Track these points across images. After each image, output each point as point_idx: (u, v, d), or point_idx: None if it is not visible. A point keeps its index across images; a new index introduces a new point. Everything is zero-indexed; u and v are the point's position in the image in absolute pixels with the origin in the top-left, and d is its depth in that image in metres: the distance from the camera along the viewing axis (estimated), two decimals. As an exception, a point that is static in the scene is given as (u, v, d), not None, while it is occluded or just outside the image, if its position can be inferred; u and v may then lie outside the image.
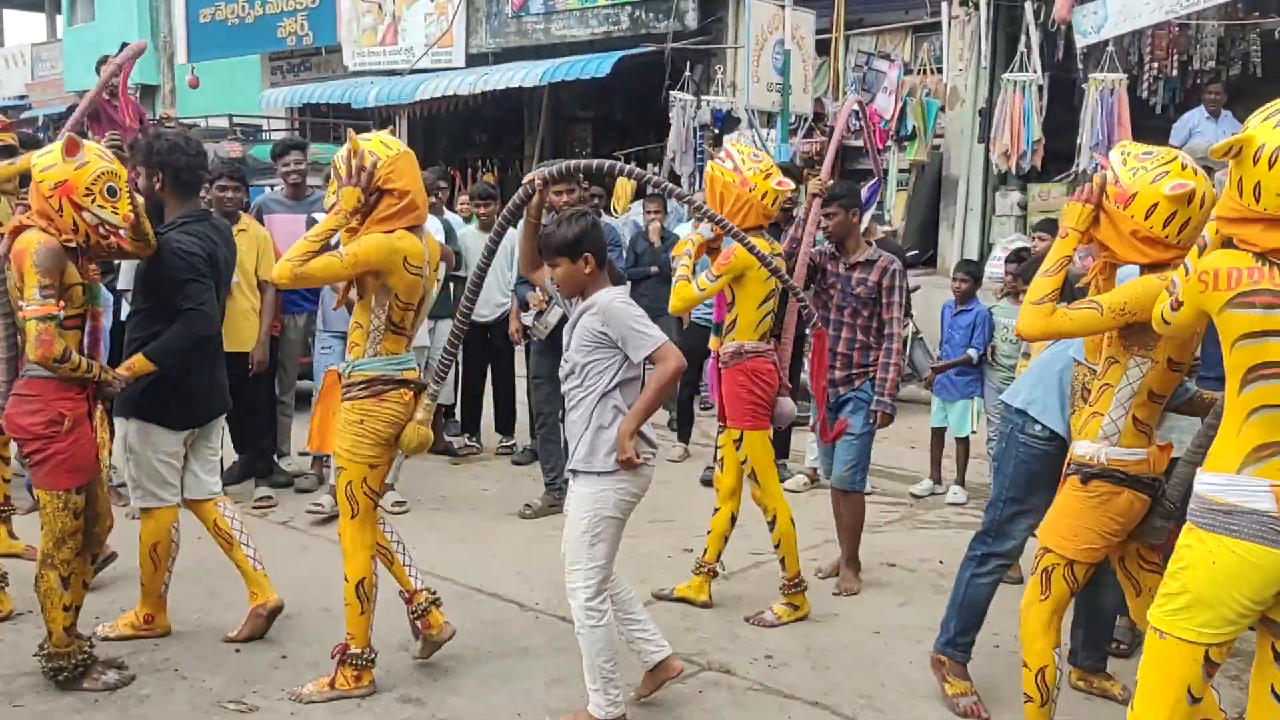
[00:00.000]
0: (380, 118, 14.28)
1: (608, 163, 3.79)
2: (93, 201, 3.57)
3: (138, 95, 8.32)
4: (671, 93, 11.20)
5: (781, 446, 6.38)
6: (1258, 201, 2.41)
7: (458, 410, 7.53)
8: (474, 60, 13.80)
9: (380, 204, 3.66)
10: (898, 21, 10.74)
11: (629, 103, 13.61)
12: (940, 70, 10.25)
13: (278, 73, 17.16)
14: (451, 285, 6.84)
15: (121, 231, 3.66)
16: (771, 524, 4.54)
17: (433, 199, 6.89)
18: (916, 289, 7.36)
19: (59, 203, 3.53)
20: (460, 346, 3.91)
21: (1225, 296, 2.47)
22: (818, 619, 4.61)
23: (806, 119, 10.54)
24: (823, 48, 10.67)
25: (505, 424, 7.35)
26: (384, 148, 3.69)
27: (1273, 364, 2.44)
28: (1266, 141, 2.39)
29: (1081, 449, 3.15)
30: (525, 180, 3.68)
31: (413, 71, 14.08)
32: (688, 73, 11.39)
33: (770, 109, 10.29)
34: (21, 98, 24.83)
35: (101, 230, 3.61)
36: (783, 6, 9.86)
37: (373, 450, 3.71)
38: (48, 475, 3.64)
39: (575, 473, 3.50)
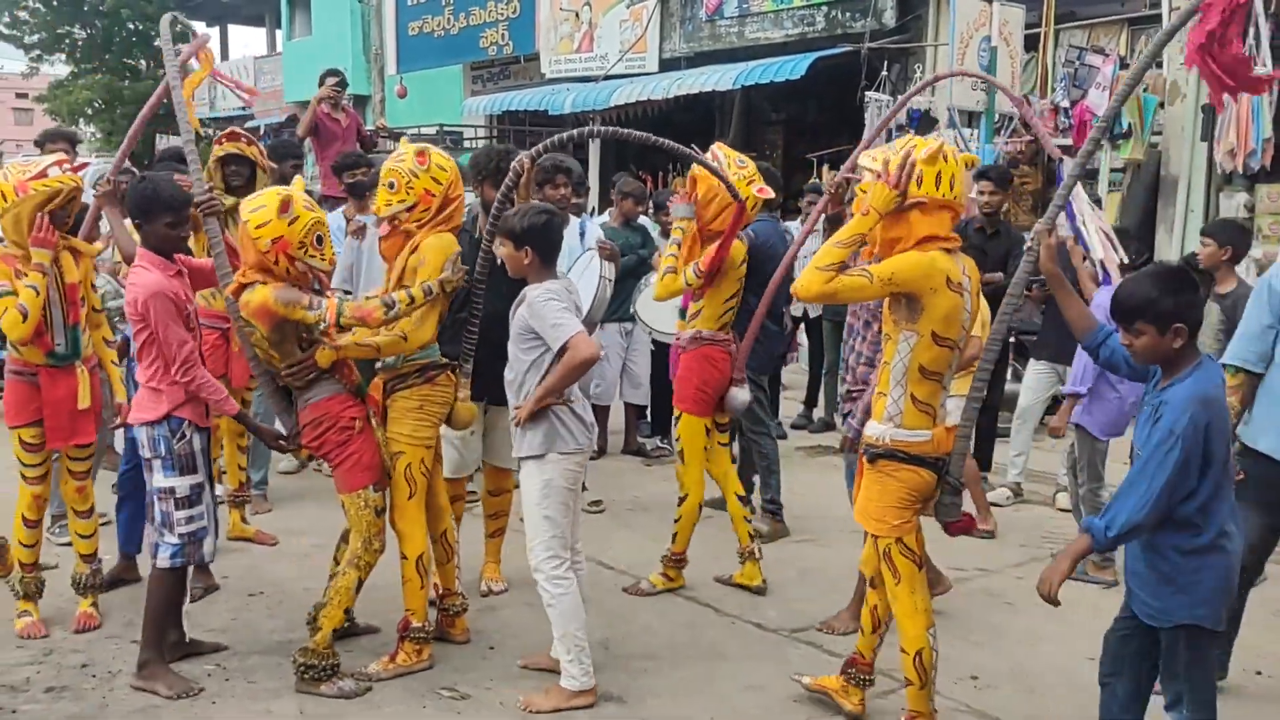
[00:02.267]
0: (575, 123, 14.62)
1: (598, 129, 3.98)
2: (305, 253, 3.80)
3: (351, 105, 8.78)
4: (867, 93, 10.98)
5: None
6: None
7: (649, 412, 7.62)
8: (667, 65, 13.93)
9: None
10: (1113, 14, 10.19)
11: (822, 104, 13.44)
12: (1159, 64, 9.66)
13: (478, 81, 17.79)
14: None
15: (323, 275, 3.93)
16: (680, 500, 4.86)
17: (628, 204, 7.02)
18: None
19: (275, 257, 3.75)
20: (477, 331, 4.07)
21: None
22: (1025, 640, 4.43)
23: (1012, 118, 10.13)
24: (1031, 43, 10.24)
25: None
26: None
27: None
28: None
29: (870, 430, 3.37)
30: (514, 161, 3.98)
31: (607, 77, 14.34)
32: (885, 72, 11.14)
33: (974, 108, 9.95)
34: (243, 108, 26.66)
35: (310, 276, 3.86)
36: (990, 2, 9.52)
37: (430, 432, 4.02)
38: (347, 477, 3.87)
39: (523, 459, 3.75)
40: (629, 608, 4.71)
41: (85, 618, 4.35)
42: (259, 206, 3.76)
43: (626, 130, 4.14)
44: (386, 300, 3.76)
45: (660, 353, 7.25)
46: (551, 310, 3.62)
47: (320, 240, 3.84)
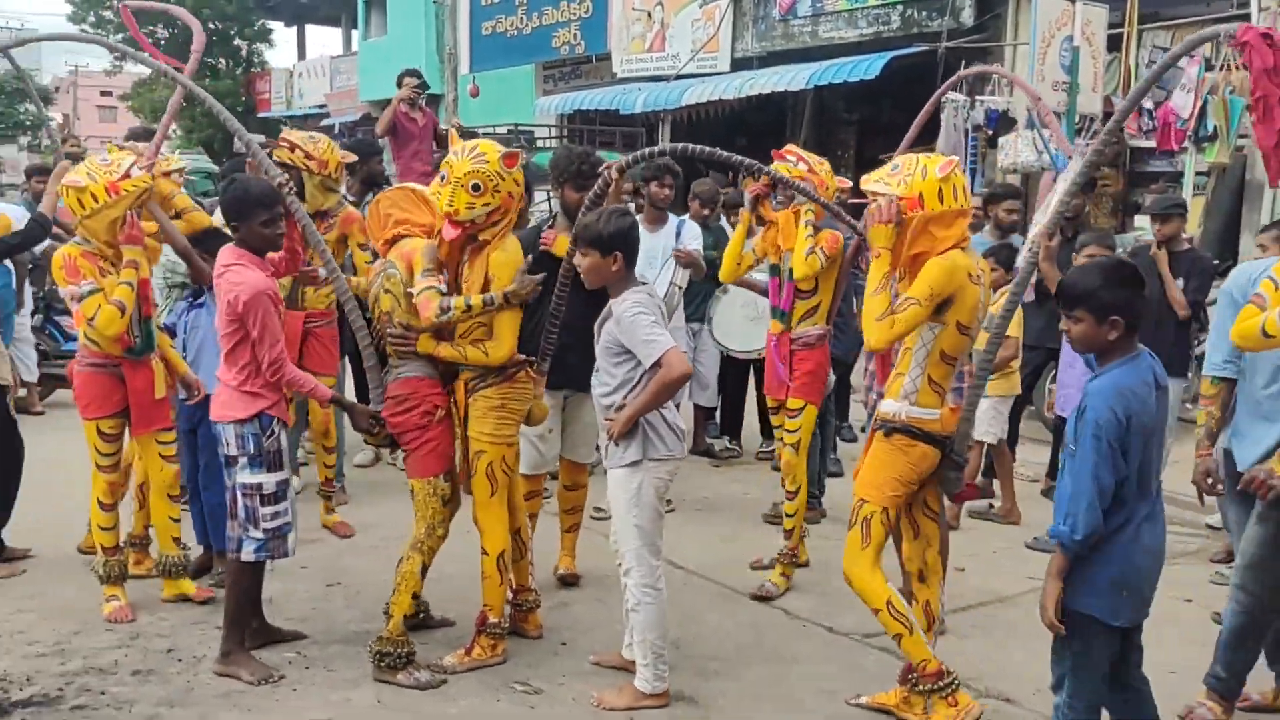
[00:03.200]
0: (645, 123, 14.64)
1: (692, 147, 4.06)
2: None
3: (424, 101, 8.88)
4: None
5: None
6: None
7: (718, 413, 7.60)
8: (739, 64, 13.89)
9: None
10: (1198, 15, 9.94)
11: (896, 104, 13.25)
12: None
13: (550, 80, 17.92)
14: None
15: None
16: (791, 495, 4.86)
17: (706, 210, 7.01)
18: (1213, 302, 6.82)
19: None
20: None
21: None
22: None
23: (1094, 119, 9.94)
24: (1114, 43, 10.02)
25: (767, 428, 7.35)
26: None
27: None
28: None
29: (885, 407, 3.60)
30: (602, 168, 4.07)
31: (679, 77, 14.34)
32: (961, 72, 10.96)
33: (1055, 109, 9.76)
34: (320, 106, 27.16)
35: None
36: (1073, 1, 9.34)
37: (511, 430, 4.06)
38: (421, 462, 3.94)
39: (609, 469, 3.75)
40: (699, 608, 4.71)
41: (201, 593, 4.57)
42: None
43: (698, 146, 4.14)
44: (443, 304, 3.76)
45: (732, 357, 7.24)
46: (642, 325, 3.57)
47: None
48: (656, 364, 3.54)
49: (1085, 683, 3.00)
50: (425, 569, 3.97)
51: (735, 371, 7.36)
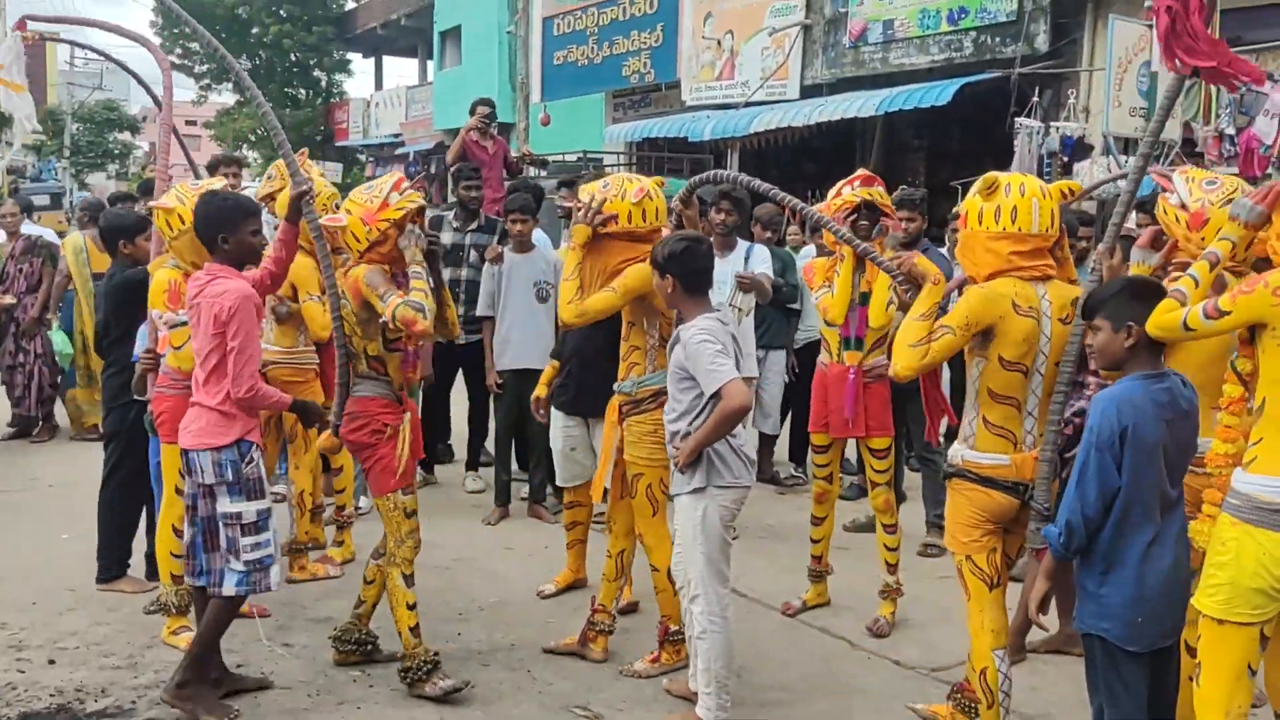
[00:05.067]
0: (714, 150, 14.68)
1: (748, 180, 4.12)
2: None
3: (497, 131, 9.02)
4: (1017, 119, 10.69)
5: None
6: None
7: (785, 440, 7.54)
8: (808, 91, 13.86)
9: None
10: (1282, 38, 9.71)
11: (967, 130, 13.16)
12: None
13: (620, 109, 18.07)
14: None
15: None
16: (893, 528, 4.77)
17: (768, 234, 7.00)
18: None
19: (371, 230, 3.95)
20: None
21: None
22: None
23: (1173, 145, 9.73)
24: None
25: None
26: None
27: None
28: None
29: (950, 451, 3.49)
30: (672, 205, 4.25)
31: (748, 105, 14.36)
32: (1035, 98, 10.83)
33: (1131, 134, 9.60)
34: (396, 135, 27.75)
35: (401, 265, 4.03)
36: (1150, 25, 9.17)
37: (665, 453, 4.02)
38: (377, 480, 4.00)
39: (677, 494, 3.76)
40: (762, 637, 4.66)
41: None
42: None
43: (735, 174, 4.25)
44: (415, 305, 3.77)
45: (799, 382, 7.19)
46: (706, 353, 3.54)
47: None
48: (717, 394, 3.52)
49: (1122, 709, 2.93)
50: (408, 579, 4.00)
51: (802, 399, 7.29)
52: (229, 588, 3.81)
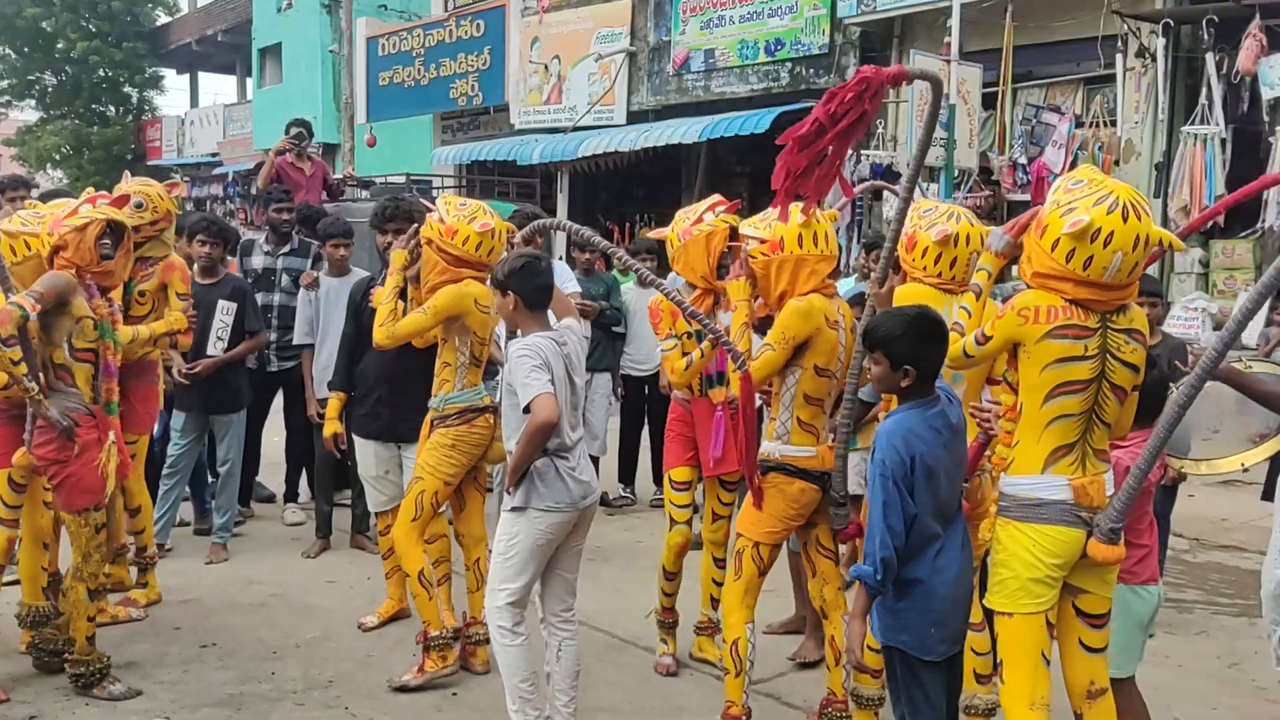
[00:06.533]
0: (544, 174, 14.74)
1: (574, 228, 4.25)
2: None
3: (320, 154, 8.83)
4: (831, 148, 11.14)
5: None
6: (1084, 269, 2.86)
7: (610, 460, 7.60)
8: (635, 118, 14.11)
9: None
10: (1069, 74, 10.47)
11: (787, 158, 13.62)
12: (1113, 123, 9.92)
13: (448, 131, 17.92)
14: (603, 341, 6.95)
15: None
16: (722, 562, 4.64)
17: (585, 256, 7.06)
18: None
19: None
20: None
21: (1045, 329, 2.92)
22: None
23: (971, 173, 10.35)
24: (989, 101, 10.48)
25: (661, 476, 7.37)
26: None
27: (1072, 382, 2.94)
28: (1102, 225, 2.83)
29: (763, 448, 3.75)
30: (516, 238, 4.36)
31: (575, 129, 14.49)
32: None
33: (934, 163, 10.14)
34: (213, 155, 26.69)
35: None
36: (948, 61, 9.75)
37: (453, 469, 4.28)
38: (66, 497, 4.02)
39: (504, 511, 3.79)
40: (587, 658, 4.65)
41: None
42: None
43: (571, 225, 4.29)
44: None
45: (629, 404, 7.28)
46: (522, 368, 3.56)
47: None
48: (527, 409, 3.55)
49: (923, 718, 3.07)
50: (92, 594, 4.09)
51: (630, 418, 7.39)
52: None
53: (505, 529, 3.70)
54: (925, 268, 3.72)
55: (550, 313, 3.81)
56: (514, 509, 3.65)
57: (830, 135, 3.05)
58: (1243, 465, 4.44)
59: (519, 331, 3.79)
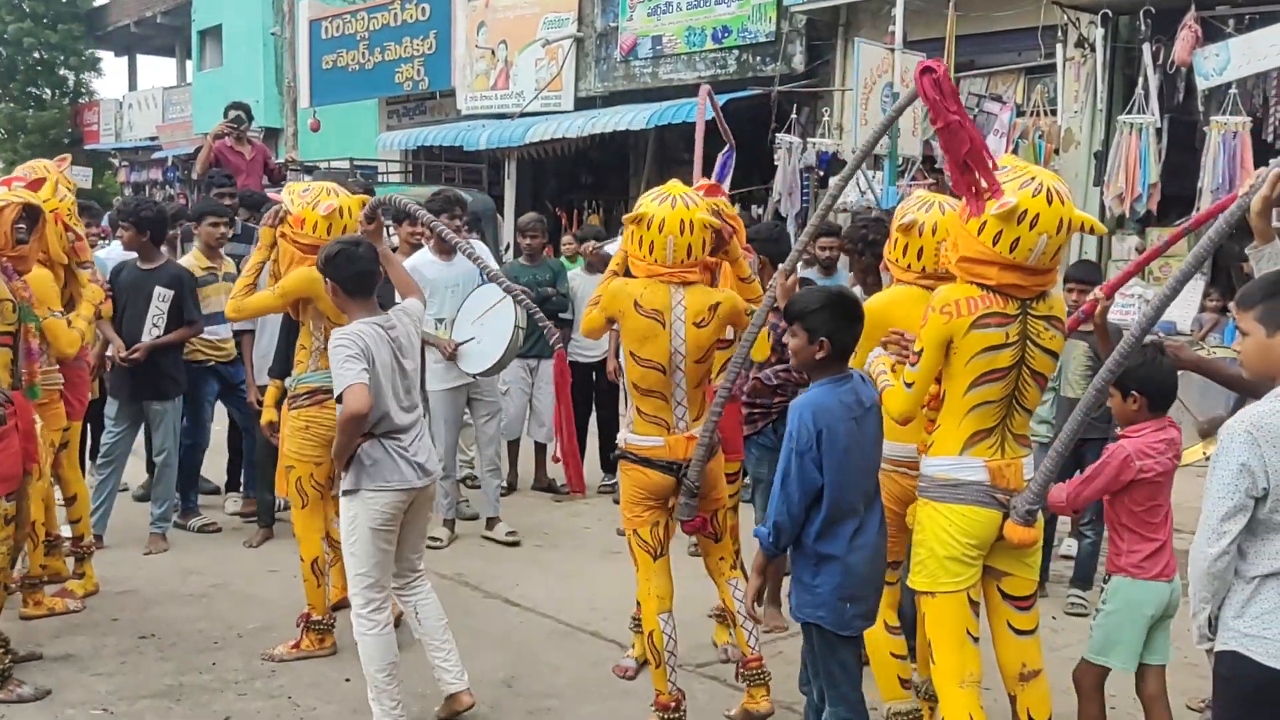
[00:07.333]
0: (491, 160, 14.64)
1: (402, 201, 4.62)
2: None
3: (262, 138, 8.70)
4: (778, 135, 11.21)
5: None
6: (1011, 251, 2.89)
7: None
8: (582, 104, 14.05)
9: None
10: (1010, 63, 10.61)
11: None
12: (1054, 112, 10.07)
13: (394, 116, 17.73)
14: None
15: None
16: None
17: (528, 241, 7.03)
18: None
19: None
20: None
21: (969, 320, 2.95)
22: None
23: (915, 161, 10.45)
24: (932, 90, 10.58)
25: (609, 462, 7.38)
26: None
27: (994, 371, 2.98)
28: (1028, 207, 2.86)
29: (617, 436, 3.84)
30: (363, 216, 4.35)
31: (523, 115, 14.40)
32: (794, 115, 11.39)
33: (878, 151, 10.23)
34: (152, 139, 26.13)
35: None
36: (892, 50, 9.84)
37: (316, 450, 4.34)
38: None
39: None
40: (534, 646, 4.68)
41: None
42: None
43: (400, 198, 4.60)
44: None
45: (576, 390, 7.24)
46: (337, 358, 3.57)
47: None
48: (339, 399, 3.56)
49: (841, 689, 3.15)
50: (8, 588, 4.09)
51: (577, 405, 7.35)
52: None
53: (344, 514, 3.75)
54: (896, 260, 3.57)
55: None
56: (345, 492, 3.71)
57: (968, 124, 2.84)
58: (1204, 454, 4.52)
59: (346, 318, 3.79)
